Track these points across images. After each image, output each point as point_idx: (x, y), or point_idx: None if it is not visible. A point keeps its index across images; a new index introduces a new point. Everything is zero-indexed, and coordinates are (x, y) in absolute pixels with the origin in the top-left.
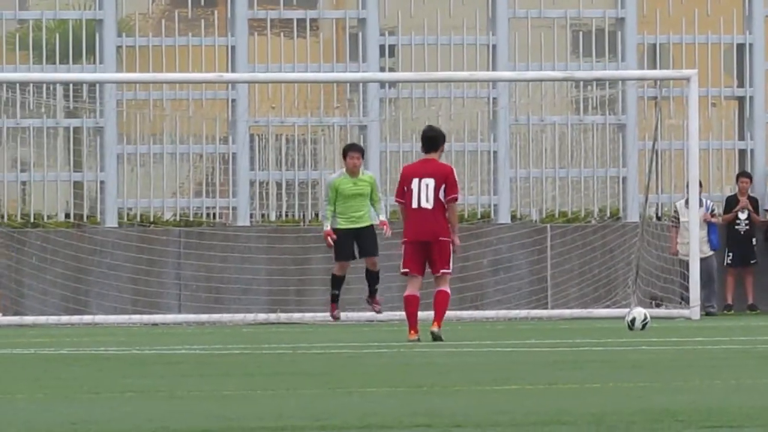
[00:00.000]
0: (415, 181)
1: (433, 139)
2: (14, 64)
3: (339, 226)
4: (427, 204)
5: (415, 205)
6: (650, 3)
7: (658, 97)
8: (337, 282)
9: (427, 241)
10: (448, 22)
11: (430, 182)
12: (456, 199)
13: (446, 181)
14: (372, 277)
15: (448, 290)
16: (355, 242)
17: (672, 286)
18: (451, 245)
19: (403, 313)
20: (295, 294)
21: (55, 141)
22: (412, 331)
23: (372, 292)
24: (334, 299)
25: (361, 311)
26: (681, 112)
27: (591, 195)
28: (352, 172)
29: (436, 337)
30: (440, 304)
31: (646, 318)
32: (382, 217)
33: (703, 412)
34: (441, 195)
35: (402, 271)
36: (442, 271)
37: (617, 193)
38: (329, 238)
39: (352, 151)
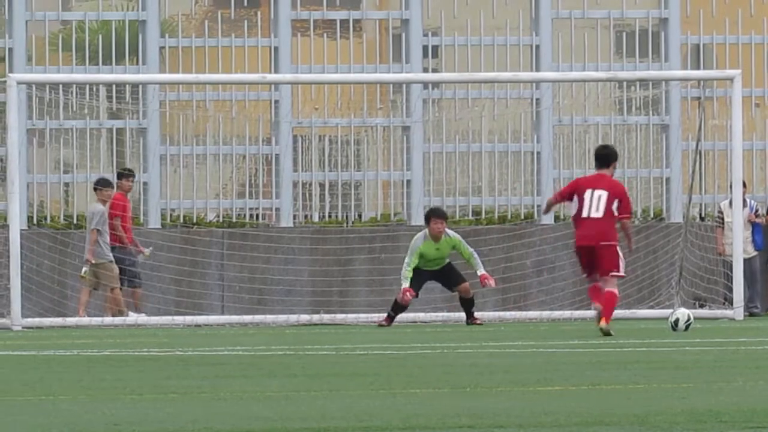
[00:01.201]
0: (588, 192)
1: (605, 156)
2: (57, 65)
3: (416, 267)
4: (597, 213)
5: (585, 214)
6: (693, 3)
7: (702, 98)
8: (397, 307)
9: (592, 246)
10: (491, 23)
11: (603, 194)
12: (629, 218)
13: (620, 197)
14: (467, 304)
15: (616, 291)
16: (438, 281)
17: (715, 287)
18: (617, 249)
19: (445, 314)
20: (338, 295)
21: (98, 142)
22: (597, 302)
23: (469, 315)
24: (390, 318)
25: (405, 312)
26: (724, 112)
27: (634, 195)
28: (436, 237)
29: (605, 332)
30: (608, 302)
31: (689, 319)
32: (481, 271)
33: (746, 412)
34: (613, 207)
35: (584, 277)
36: (610, 273)
37: (661, 193)
38: (407, 293)
39: (435, 218)
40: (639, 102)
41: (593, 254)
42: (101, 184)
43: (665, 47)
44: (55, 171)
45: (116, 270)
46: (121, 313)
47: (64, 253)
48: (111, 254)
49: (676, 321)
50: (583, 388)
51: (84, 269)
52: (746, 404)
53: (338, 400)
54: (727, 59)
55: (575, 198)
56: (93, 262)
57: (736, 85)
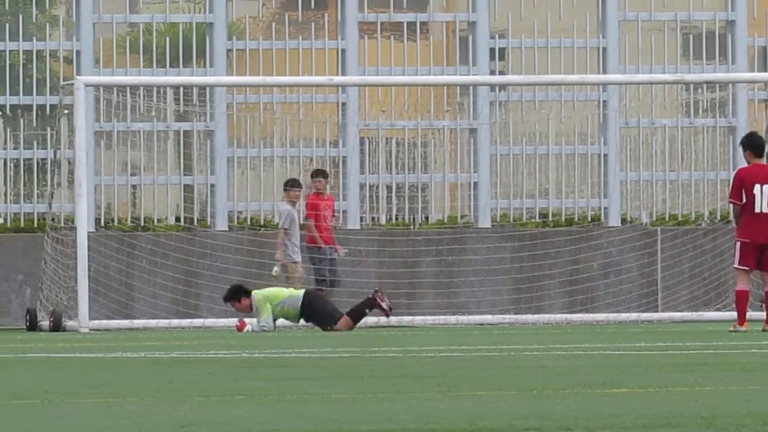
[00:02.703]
0: (758, 186)
1: (760, 147)
2: (125, 67)
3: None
4: None
5: (757, 209)
6: (761, 5)
7: None
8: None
9: (764, 244)
10: (557, 25)
11: None
12: None
13: None
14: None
15: None
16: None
17: None
18: None
19: (513, 316)
20: (405, 297)
21: (165, 144)
22: (743, 324)
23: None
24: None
25: (472, 314)
26: None
27: (701, 198)
28: None
29: None
30: None
31: None
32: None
33: None
34: None
35: (740, 267)
36: None
37: (728, 196)
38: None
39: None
40: (706, 104)
41: (761, 249)
42: (290, 185)
43: (732, 49)
44: (122, 173)
45: (300, 271)
46: None
47: (132, 255)
48: (296, 255)
49: None
50: (650, 390)
51: (275, 268)
52: None
53: (405, 402)
54: None
55: (744, 192)
56: (282, 262)
57: None
